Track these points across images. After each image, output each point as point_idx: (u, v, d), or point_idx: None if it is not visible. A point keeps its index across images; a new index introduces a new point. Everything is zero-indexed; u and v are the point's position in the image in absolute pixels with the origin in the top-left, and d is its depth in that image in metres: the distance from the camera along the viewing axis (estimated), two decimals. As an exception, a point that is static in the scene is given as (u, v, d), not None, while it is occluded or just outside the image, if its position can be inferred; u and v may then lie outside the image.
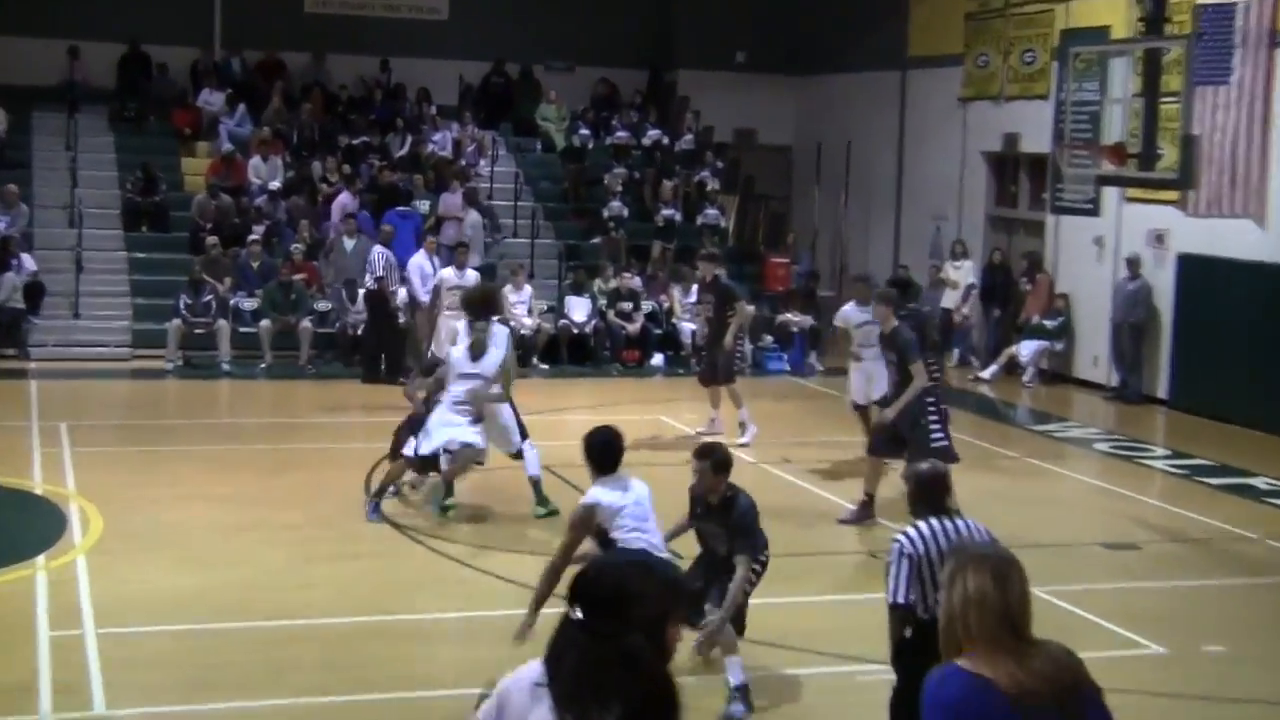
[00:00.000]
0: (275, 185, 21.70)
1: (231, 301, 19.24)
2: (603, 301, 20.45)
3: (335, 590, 9.48)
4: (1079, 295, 19.67)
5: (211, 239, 19.80)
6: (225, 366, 18.35)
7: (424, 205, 21.38)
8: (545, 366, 19.48)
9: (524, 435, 11.44)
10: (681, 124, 25.35)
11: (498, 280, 19.23)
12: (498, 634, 7.44)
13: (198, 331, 18.55)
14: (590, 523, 7.18)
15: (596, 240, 22.50)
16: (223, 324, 18.59)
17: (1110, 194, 18.55)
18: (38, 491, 11.89)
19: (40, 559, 9.93)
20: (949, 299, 20.85)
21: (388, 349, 18.00)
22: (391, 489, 11.53)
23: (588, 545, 7.17)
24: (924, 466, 6.39)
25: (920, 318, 12.72)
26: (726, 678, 7.47)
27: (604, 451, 7.29)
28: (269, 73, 24.09)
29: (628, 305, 20.35)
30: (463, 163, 23.09)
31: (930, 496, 6.17)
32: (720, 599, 7.40)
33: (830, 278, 23.47)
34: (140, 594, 9.27)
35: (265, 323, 18.82)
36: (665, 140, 24.86)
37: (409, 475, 11.60)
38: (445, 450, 10.87)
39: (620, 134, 24.72)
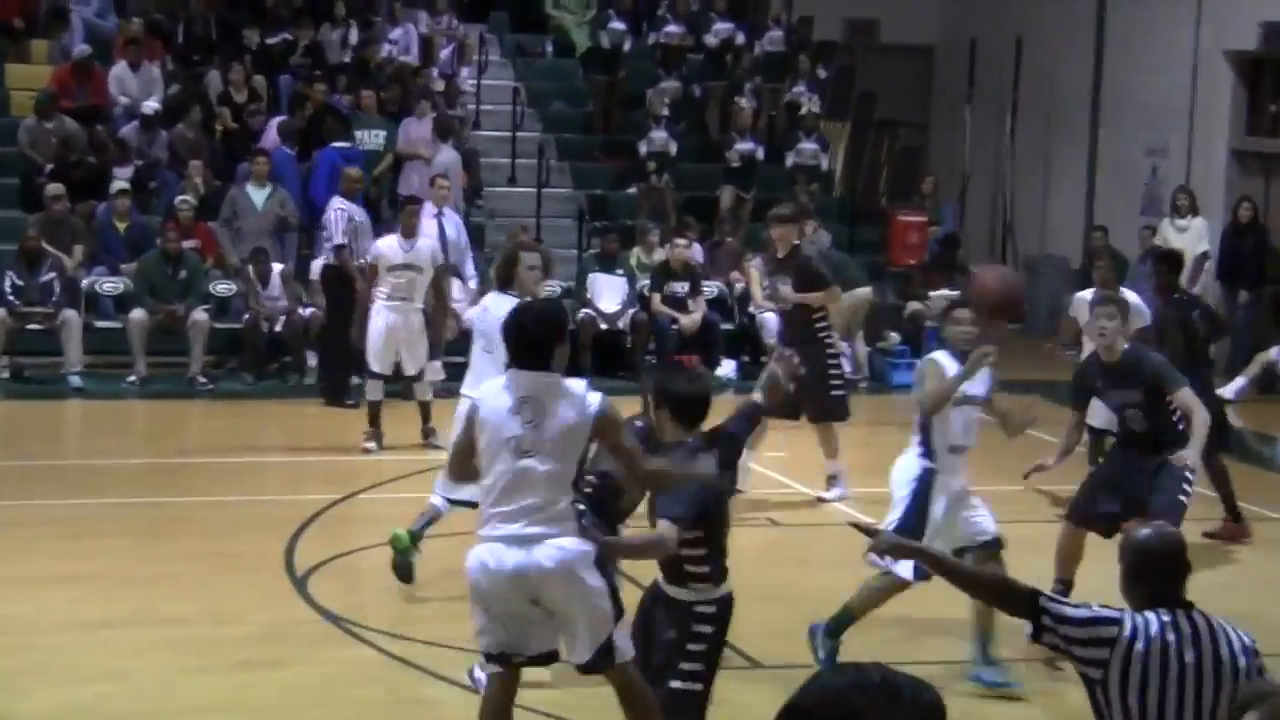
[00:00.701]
0: (152, 106, 21.49)
1: (85, 282, 19.18)
2: (644, 282, 20.43)
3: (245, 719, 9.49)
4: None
5: (54, 187, 19.65)
6: (76, 380, 18.31)
7: (377, 138, 21.25)
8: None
9: None
10: (766, 13, 25.28)
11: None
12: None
13: (33, 327, 18.48)
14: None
15: (634, 190, 22.54)
16: (71, 316, 18.45)
17: None
18: None
19: None
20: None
21: (354, 353, 17.21)
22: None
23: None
24: (1148, 533, 6.37)
25: (1197, 305, 13.36)
26: None
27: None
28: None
29: (681, 287, 20.23)
30: (434, 73, 23.10)
31: (1158, 577, 6.17)
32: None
33: (983, 245, 23.51)
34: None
35: (137, 314, 18.69)
36: (741, 38, 24.76)
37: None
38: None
39: (671, 29, 24.55)
